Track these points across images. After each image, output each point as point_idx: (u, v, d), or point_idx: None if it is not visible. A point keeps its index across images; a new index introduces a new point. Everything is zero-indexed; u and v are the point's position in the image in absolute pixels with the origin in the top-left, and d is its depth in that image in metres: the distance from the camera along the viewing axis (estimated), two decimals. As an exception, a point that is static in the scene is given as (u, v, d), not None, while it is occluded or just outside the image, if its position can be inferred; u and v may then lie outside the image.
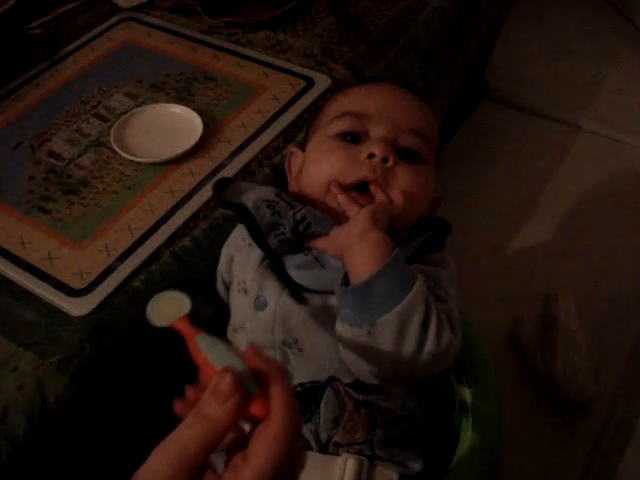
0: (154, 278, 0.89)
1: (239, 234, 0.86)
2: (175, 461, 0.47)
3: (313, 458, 0.72)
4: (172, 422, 0.60)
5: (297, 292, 0.77)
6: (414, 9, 1.33)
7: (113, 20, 1.32)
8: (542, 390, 1.31)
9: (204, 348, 0.53)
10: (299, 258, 0.78)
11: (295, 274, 0.78)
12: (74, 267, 0.89)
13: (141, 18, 1.32)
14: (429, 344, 0.67)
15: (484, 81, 1.99)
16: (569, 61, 2.16)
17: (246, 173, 1.01)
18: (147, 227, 0.94)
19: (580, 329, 1.32)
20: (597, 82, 2.09)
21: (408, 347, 0.67)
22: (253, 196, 0.80)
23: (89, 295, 0.86)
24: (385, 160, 0.77)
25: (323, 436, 0.74)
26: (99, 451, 0.87)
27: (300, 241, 0.77)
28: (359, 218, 0.72)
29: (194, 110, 1.09)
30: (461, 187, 1.73)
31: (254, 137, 1.06)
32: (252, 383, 0.50)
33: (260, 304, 0.77)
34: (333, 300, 0.75)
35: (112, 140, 1.05)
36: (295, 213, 0.76)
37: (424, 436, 0.79)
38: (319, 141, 0.83)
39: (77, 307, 0.85)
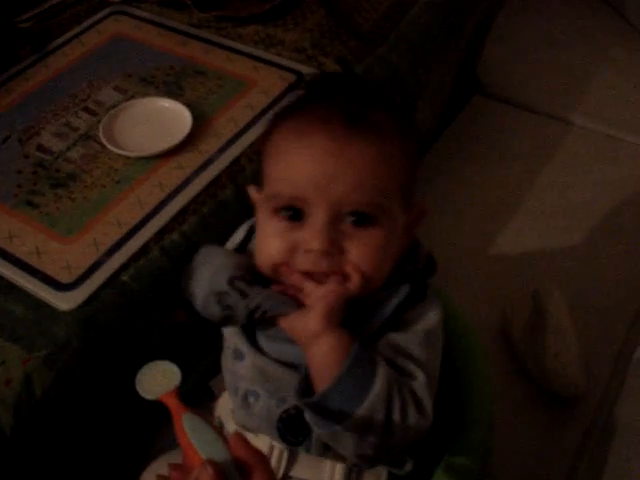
0: (142, 273, 0.88)
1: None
2: None
3: (303, 459, 0.72)
4: (159, 417, 0.60)
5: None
6: (405, 4, 1.33)
7: (103, 13, 1.31)
8: (532, 385, 1.32)
9: (189, 431, 0.53)
10: (270, 330, 0.75)
11: (266, 345, 0.76)
12: (62, 261, 0.89)
13: (131, 11, 1.32)
14: (396, 430, 0.66)
15: (476, 76, 1.99)
16: (562, 56, 2.16)
17: (235, 167, 1.01)
18: (136, 221, 0.93)
19: (569, 325, 1.33)
20: (589, 78, 2.09)
21: (373, 439, 0.66)
22: (203, 289, 0.77)
23: (77, 289, 0.86)
24: (328, 254, 0.69)
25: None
26: (87, 445, 0.87)
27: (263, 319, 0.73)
28: (311, 318, 0.67)
29: (183, 104, 1.09)
30: (452, 182, 1.73)
31: (243, 131, 1.06)
32: (234, 475, 0.50)
33: (239, 355, 0.76)
34: None
35: (101, 134, 1.04)
36: (248, 304, 0.71)
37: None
38: (262, 216, 0.75)
39: (65, 301, 0.84)
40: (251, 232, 0.83)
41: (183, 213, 0.95)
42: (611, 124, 1.91)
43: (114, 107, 1.10)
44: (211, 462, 0.49)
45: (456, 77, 1.72)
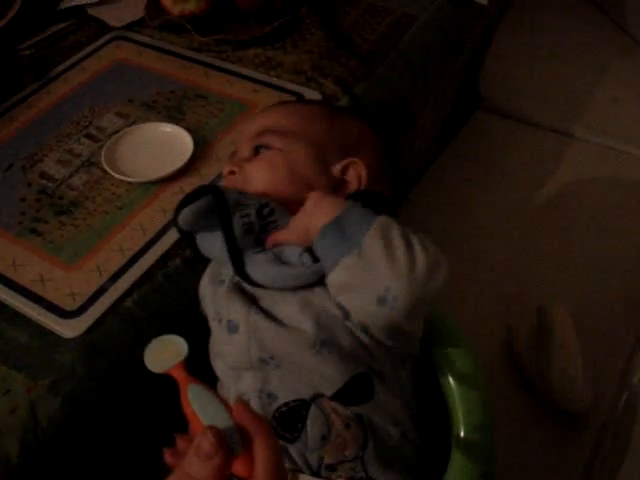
0: (146, 298, 0.89)
1: (206, 275, 0.89)
2: None
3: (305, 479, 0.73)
4: (163, 442, 0.61)
5: (264, 308, 0.78)
6: (403, 23, 1.34)
7: (104, 39, 1.33)
8: (537, 401, 1.31)
9: (193, 400, 0.53)
10: (259, 257, 0.80)
11: (256, 273, 0.79)
12: (66, 288, 0.89)
13: (131, 37, 1.33)
14: (418, 251, 0.69)
15: (477, 91, 1.99)
16: (562, 70, 2.17)
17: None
18: (138, 247, 0.94)
19: (575, 339, 1.33)
20: (590, 91, 2.10)
21: (400, 256, 0.69)
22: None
23: (81, 316, 0.86)
24: (232, 172, 0.88)
25: (313, 459, 0.73)
26: (92, 473, 0.87)
27: (261, 236, 0.80)
28: (309, 198, 0.78)
29: (185, 128, 1.10)
30: (455, 197, 1.74)
31: (245, 154, 1.07)
32: (237, 441, 0.50)
33: (232, 327, 0.78)
34: (298, 297, 0.77)
35: (103, 160, 1.05)
36: (259, 199, 0.82)
37: (417, 456, 0.79)
38: None
39: (69, 329, 0.85)
40: None
41: (185, 238, 0.95)
42: (613, 137, 1.91)
43: (116, 133, 1.11)
44: (212, 428, 0.50)
45: (457, 93, 1.73)
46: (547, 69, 2.16)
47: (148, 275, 0.91)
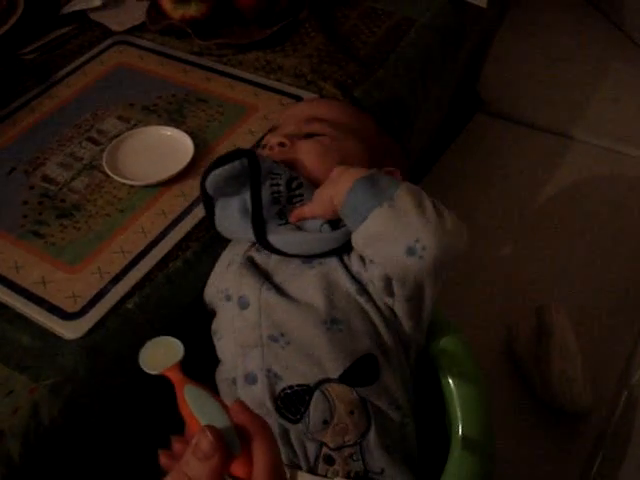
0: (147, 300, 0.90)
1: (217, 266, 0.91)
2: None
3: (303, 478, 0.73)
4: (164, 443, 0.61)
5: (277, 284, 0.81)
6: (402, 27, 1.34)
7: (105, 44, 1.34)
8: (537, 401, 1.32)
9: (190, 400, 0.53)
10: (280, 228, 0.83)
11: (275, 240, 0.82)
12: (67, 290, 0.90)
13: (133, 41, 1.34)
14: (444, 209, 0.75)
15: (477, 94, 2.00)
16: (562, 72, 2.17)
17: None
18: (139, 249, 0.95)
19: (574, 340, 1.34)
20: (590, 92, 2.10)
21: (429, 211, 0.73)
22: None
23: (83, 318, 0.87)
24: (282, 144, 0.91)
25: (312, 446, 0.74)
26: (94, 474, 0.88)
27: (286, 208, 0.84)
28: (334, 170, 0.81)
29: (185, 132, 1.11)
30: (455, 198, 1.74)
31: (245, 157, 1.08)
32: (235, 441, 0.50)
33: (243, 303, 0.80)
34: (313, 271, 0.80)
35: (104, 163, 1.06)
36: (291, 171, 0.87)
37: (416, 442, 0.80)
38: None
39: (71, 330, 0.86)
40: None
41: (186, 240, 0.96)
42: (613, 138, 1.92)
43: (117, 136, 1.12)
44: (210, 427, 0.49)
45: (456, 96, 1.73)
46: (547, 71, 2.16)
47: (149, 277, 0.92)
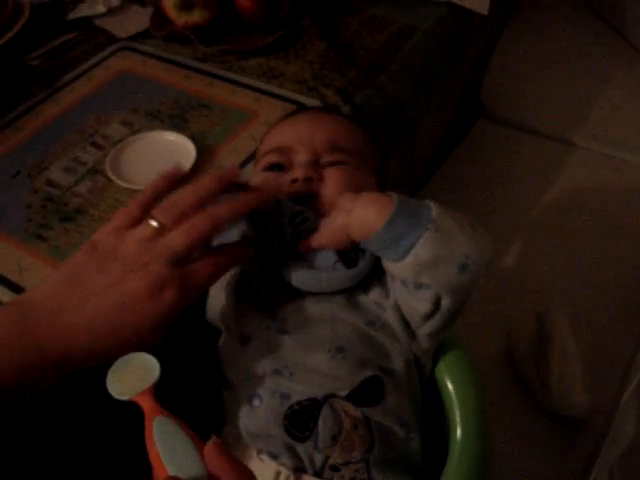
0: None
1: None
2: None
3: None
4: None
5: (279, 319, 0.79)
6: (404, 34, 1.35)
7: (110, 50, 1.35)
8: (537, 406, 1.32)
9: (159, 438, 0.46)
10: (290, 262, 0.80)
11: (287, 274, 0.80)
12: (70, 293, 0.91)
13: (137, 47, 1.35)
14: (476, 225, 0.74)
15: (479, 100, 2.01)
16: (564, 79, 2.19)
17: (238, 198, 1.03)
18: (141, 253, 0.96)
19: (574, 345, 1.34)
20: (592, 99, 2.11)
21: (466, 226, 0.73)
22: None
23: (84, 320, 0.88)
24: (310, 179, 0.82)
25: (319, 459, 0.74)
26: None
27: (294, 241, 0.80)
28: (342, 198, 0.77)
29: (188, 137, 1.12)
30: (457, 204, 1.75)
31: (247, 162, 1.09)
32: None
33: (244, 339, 0.80)
34: (320, 302, 0.79)
35: (107, 168, 1.07)
36: (294, 206, 0.81)
37: (421, 456, 0.80)
38: (254, 176, 0.87)
39: (73, 332, 0.87)
40: None
41: (187, 244, 0.97)
42: (614, 144, 1.93)
43: (121, 141, 1.13)
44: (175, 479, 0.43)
45: (459, 102, 1.74)
46: (548, 78, 2.18)
47: (150, 280, 0.92)
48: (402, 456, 0.77)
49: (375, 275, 0.81)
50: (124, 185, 1.05)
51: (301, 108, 1.03)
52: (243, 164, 1.09)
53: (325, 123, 0.91)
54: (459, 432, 0.82)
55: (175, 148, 1.11)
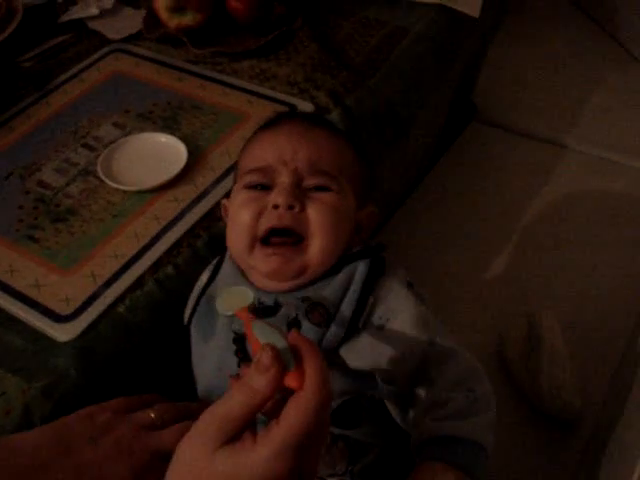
0: (138, 304, 0.91)
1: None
2: (221, 421, 0.55)
3: None
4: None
5: None
6: (396, 36, 1.36)
7: (102, 52, 1.35)
8: (528, 407, 1.33)
9: (256, 331, 0.60)
10: None
11: None
12: (61, 294, 0.92)
13: (130, 49, 1.36)
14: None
15: (472, 103, 2.02)
16: (556, 81, 2.19)
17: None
18: (132, 254, 0.96)
19: (564, 347, 1.35)
20: (584, 102, 2.12)
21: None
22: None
23: (75, 321, 0.89)
24: (291, 207, 0.80)
25: None
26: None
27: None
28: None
29: (179, 138, 1.12)
30: (449, 207, 1.76)
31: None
32: (290, 359, 0.57)
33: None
34: None
35: (99, 169, 1.07)
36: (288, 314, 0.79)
37: (406, 467, 0.81)
38: (235, 194, 0.87)
39: (63, 333, 0.87)
40: (215, 271, 0.89)
41: (177, 246, 0.97)
42: (606, 147, 1.93)
43: (112, 143, 1.13)
44: (269, 345, 0.56)
45: (452, 104, 1.75)
46: (541, 80, 2.18)
47: (140, 281, 0.93)
48: (386, 466, 0.78)
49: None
50: (115, 186, 1.05)
51: (282, 115, 0.96)
52: (234, 166, 1.08)
53: (307, 140, 0.86)
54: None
55: (167, 150, 1.11)
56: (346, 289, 0.79)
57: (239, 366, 0.77)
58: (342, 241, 0.83)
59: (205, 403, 0.66)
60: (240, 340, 0.78)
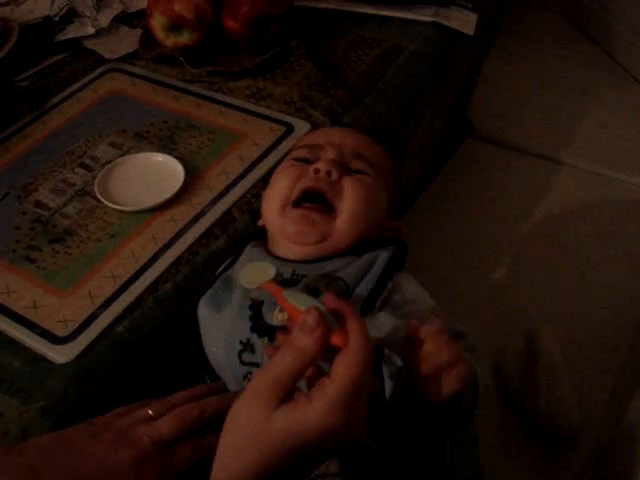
0: (137, 324, 0.90)
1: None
2: (274, 383, 0.58)
3: None
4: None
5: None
6: (391, 54, 1.37)
7: (99, 71, 1.35)
8: (526, 424, 1.33)
9: (291, 298, 0.63)
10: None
11: None
12: (58, 315, 0.91)
13: (126, 68, 1.36)
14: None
15: (467, 119, 2.03)
16: (551, 97, 2.21)
17: (227, 218, 1.04)
18: (130, 274, 0.96)
19: (562, 363, 1.35)
20: (579, 117, 2.13)
21: None
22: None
23: (73, 342, 0.88)
24: (329, 174, 0.86)
25: None
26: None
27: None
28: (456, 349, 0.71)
29: (176, 158, 1.12)
30: (444, 223, 1.76)
31: (235, 183, 1.09)
32: (332, 320, 0.60)
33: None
34: None
35: (96, 189, 1.07)
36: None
37: (401, 473, 0.81)
38: (281, 165, 0.95)
39: (61, 354, 0.87)
40: (232, 262, 0.92)
41: (176, 264, 0.97)
42: (601, 163, 1.94)
43: (109, 162, 1.13)
44: (314, 307, 0.60)
45: (447, 121, 1.76)
46: (536, 97, 2.20)
47: (139, 301, 0.93)
48: (380, 467, 0.78)
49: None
50: (113, 206, 1.05)
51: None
52: (232, 185, 1.09)
53: (356, 135, 0.97)
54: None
55: (164, 169, 1.11)
56: (367, 271, 0.82)
57: (252, 330, 0.80)
58: (367, 227, 0.87)
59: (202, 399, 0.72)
60: (257, 306, 0.81)
